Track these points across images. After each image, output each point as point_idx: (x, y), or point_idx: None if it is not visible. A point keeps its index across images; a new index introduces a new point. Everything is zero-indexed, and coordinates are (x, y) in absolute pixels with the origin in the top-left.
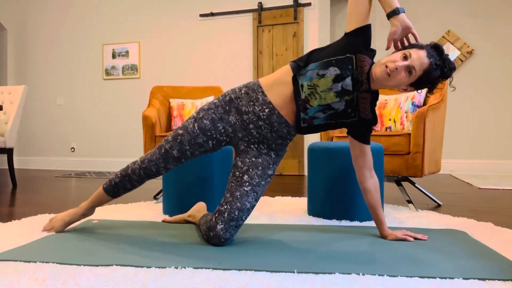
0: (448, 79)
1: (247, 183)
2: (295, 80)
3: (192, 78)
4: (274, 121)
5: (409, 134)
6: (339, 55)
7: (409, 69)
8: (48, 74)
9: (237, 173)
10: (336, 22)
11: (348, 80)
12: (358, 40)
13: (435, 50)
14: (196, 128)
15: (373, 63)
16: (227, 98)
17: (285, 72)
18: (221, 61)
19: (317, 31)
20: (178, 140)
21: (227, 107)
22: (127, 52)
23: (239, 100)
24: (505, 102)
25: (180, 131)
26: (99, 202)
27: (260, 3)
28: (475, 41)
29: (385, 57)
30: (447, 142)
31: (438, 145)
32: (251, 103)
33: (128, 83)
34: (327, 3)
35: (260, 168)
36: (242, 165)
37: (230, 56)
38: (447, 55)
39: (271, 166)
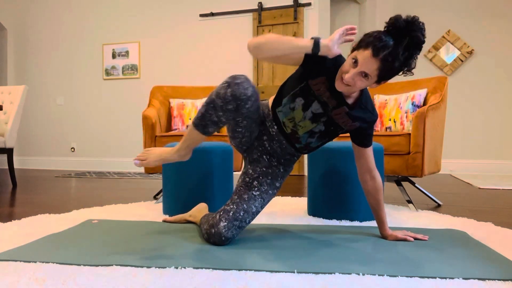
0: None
1: (256, 188)
2: (276, 119)
3: (192, 78)
4: (282, 139)
5: (409, 134)
6: (298, 85)
7: (363, 74)
8: (48, 74)
9: (247, 179)
10: (336, 22)
11: (315, 105)
12: (307, 69)
13: (389, 34)
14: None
15: (333, 74)
16: (260, 110)
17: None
18: (221, 61)
19: (317, 31)
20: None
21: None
22: (127, 52)
23: (262, 112)
24: (505, 102)
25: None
26: (192, 141)
27: (260, 3)
28: (475, 41)
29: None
30: (447, 142)
31: (438, 145)
32: (264, 118)
33: (128, 83)
34: (327, 3)
35: (270, 177)
36: (253, 173)
37: (230, 56)
38: (408, 26)
39: (279, 179)
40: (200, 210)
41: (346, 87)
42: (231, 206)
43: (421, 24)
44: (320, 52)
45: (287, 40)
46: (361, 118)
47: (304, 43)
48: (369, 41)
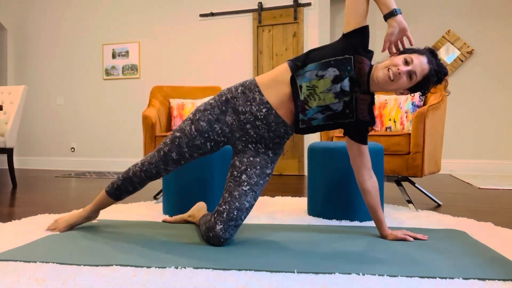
0: (444, 84)
1: (246, 183)
2: (293, 80)
3: (192, 78)
4: (271, 121)
5: (409, 134)
6: (338, 55)
7: (410, 74)
8: (48, 74)
9: (235, 172)
10: (336, 22)
11: (346, 81)
12: (356, 42)
13: (432, 55)
14: (193, 130)
15: (371, 65)
16: (223, 98)
17: (283, 71)
18: (221, 61)
19: (317, 31)
20: (176, 143)
21: (224, 108)
22: (127, 52)
23: (235, 99)
24: (505, 102)
25: (178, 134)
26: (103, 205)
27: (260, 3)
28: (475, 41)
29: (383, 59)
30: (447, 142)
31: (438, 145)
32: (248, 103)
33: (128, 83)
34: (327, 3)
35: (258, 167)
36: (240, 165)
37: (230, 56)
38: (440, 60)
39: (269, 165)
40: (199, 209)
41: (387, 79)
42: (224, 207)
43: (446, 68)
44: (397, 17)
45: None
46: (371, 114)
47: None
48: (424, 51)
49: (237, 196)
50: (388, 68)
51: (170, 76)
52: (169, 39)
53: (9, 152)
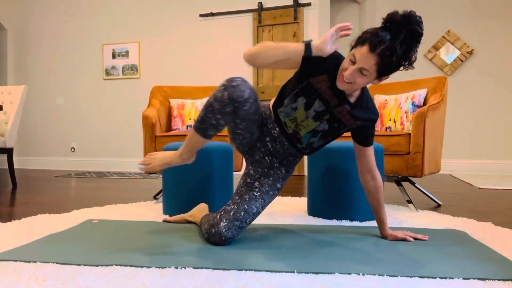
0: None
1: (257, 189)
2: (277, 119)
3: (192, 78)
4: (284, 140)
5: (409, 134)
6: (299, 85)
7: (360, 71)
8: (48, 74)
9: (249, 179)
10: (336, 22)
11: (317, 103)
12: (307, 68)
13: (385, 30)
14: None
15: (334, 73)
16: (260, 110)
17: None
18: (221, 61)
19: (317, 31)
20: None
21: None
22: (127, 52)
23: (263, 113)
24: (505, 102)
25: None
26: (194, 144)
27: (260, 3)
28: (475, 41)
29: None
30: (447, 142)
31: (438, 145)
32: (266, 120)
33: (128, 83)
34: (327, 3)
35: (271, 179)
36: (254, 174)
37: (230, 56)
38: (405, 19)
39: (280, 180)
40: (200, 210)
41: (347, 84)
42: (232, 206)
43: (418, 17)
44: (312, 54)
45: (281, 46)
46: (362, 117)
47: (297, 47)
48: (365, 38)
49: (247, 199)
50: (342, 75)
51: (170, 76)
52: (169, 39)
53: (9, 152)
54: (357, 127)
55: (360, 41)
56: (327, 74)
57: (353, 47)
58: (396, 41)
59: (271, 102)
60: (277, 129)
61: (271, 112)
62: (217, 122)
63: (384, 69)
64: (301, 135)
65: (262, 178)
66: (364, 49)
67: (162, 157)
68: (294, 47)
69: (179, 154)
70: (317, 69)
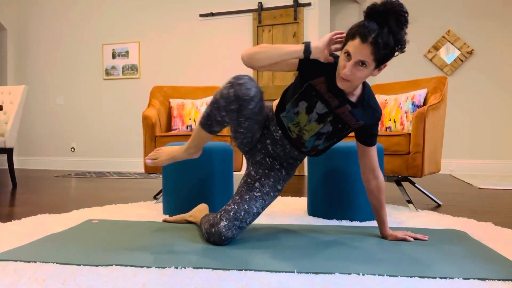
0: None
1: (258, 190)
2: (281, 124)
3: (192, 78)
4: (286, 144)
5: (409, 134)
6: (299, 90)
7: (360, 63)
8: (48, 74)
9: (249, 180)
10: (336, 22)
11: (319, 105)
12: (305, 72)
13: (371, 20)
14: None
15: (332, 74)
16: (264, 112)
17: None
18: (221, 61)
19: (317, 31)
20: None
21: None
22: (127, 52)
23: (267, 115)
24: (505, 102)
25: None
26: (200, 140)
27: (260, 3)
28: (475, 41)
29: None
30: (447, 142)
31: (438, 145)
32: (268, 122)
33: (128, 83)
34: (327, 3)
35: (272, 180)
36: (255, 174)
37: (230, 56)
38: (386, 6)
39: (281, 181)
40: (200, 210)
41: (347, 83)
42: (232, 206)
43: (397, 1)
44: (311, 55)
45: (279, 47)
46: (365, 116)
47: (296, 48)
48: (354, 31)
49: (247, 199)
50: (340, 75)
51: (170, 76)
52: (169, 39)
53: (9, 152)
54: (360, 126)
55: (349, 36)
56: (325, 76)
57: (344, 45)
58: (385, 27)
59: (274, 104)
60: (279, 132)
61: (273, 114)
62: (222, 119)
63: (381, 57)
64: (305, 139)
65: (262, 179)
66: (356, 41)
67: (169, 151)
68: (292, 48)
69: (185, 149)
70: (314, 71)
